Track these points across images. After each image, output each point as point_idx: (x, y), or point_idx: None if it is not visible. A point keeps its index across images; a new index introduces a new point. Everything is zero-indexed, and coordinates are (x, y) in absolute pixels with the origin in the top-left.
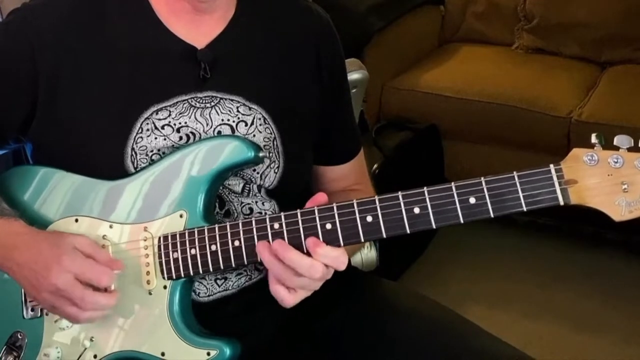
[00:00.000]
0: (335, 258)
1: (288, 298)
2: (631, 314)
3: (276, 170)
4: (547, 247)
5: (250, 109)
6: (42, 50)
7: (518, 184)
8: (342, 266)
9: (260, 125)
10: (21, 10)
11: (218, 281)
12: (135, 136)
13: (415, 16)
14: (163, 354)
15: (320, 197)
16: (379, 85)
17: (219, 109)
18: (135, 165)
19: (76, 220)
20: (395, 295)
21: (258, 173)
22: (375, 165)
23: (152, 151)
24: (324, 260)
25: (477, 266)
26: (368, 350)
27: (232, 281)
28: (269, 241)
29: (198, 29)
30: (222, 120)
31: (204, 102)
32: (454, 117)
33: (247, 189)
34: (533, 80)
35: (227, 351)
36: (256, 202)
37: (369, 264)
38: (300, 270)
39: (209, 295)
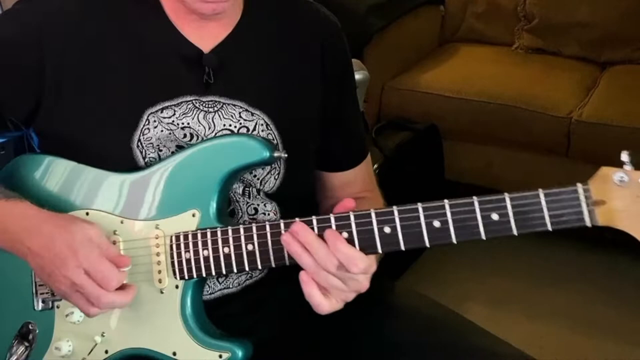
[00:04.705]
0: (349, 256)
1: (323, 304)
2: (632, 314)
3: (276, 177)
4: (547, 247)
5: (252, 114)
6: (51, 38)
7: (544, 202)
8: (354, 268)
9: (262, 131)
10: None
11: (219, 278)
12: (142, 127)
13: (415, 16)
14: (174, 354)
15: (347, 203)
16: (379, 85)
17: (222, 114)
18: (143, 156)
19: (87, 214)
20: (395, 295)
21: (258, 178)
22: (375, 165)
23: (158, 139)
24: (338, 255)
25: (477, 266)
26: (368, 349)
27: (232, 278)
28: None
29: (205, 32)
30: (224, 125)
31: (207, 106)
32: (454, 117)
33: (247, 192)
34: (533, 80)
35: (240, 353)
36: (258, 203)
37: None
38: (317, 257)
39: (210, 294)
